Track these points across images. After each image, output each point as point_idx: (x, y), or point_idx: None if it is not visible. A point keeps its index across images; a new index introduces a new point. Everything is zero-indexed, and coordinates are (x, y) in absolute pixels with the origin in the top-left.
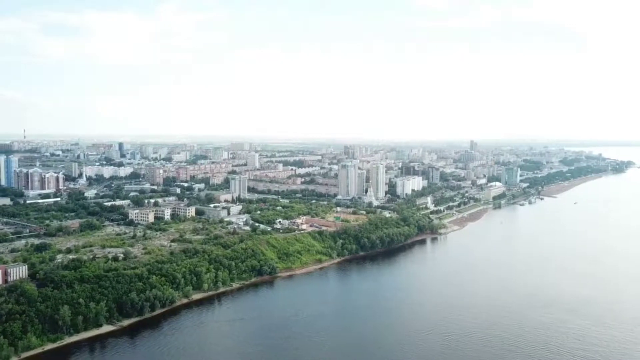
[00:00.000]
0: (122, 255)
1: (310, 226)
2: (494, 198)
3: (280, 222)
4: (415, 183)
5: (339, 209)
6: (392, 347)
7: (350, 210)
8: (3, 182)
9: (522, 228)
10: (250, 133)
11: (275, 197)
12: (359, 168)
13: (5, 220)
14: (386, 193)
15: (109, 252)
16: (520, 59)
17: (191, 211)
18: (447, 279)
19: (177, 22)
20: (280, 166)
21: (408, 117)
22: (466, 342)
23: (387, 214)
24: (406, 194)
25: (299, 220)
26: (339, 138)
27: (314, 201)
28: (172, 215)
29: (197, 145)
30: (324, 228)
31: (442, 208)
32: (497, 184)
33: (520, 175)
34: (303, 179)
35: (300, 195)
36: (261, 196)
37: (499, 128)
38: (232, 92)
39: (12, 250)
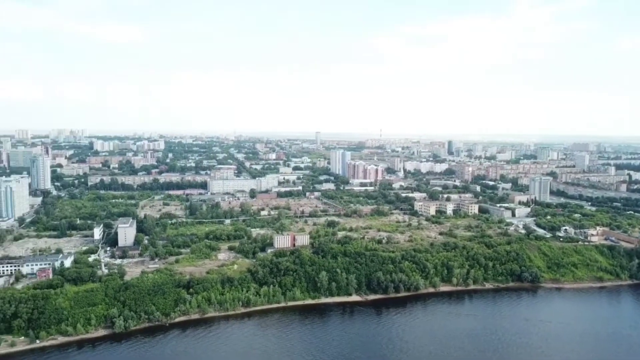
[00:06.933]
0: (385, 239)
1: (605, 239)
2: None
3: (565, 229)
4: None
5: None
6: None
7: None
8: (340, 171)
9: None
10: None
11: (583, 203)
12: None
13: (324, 200)
14: None
15: (379, 235)
16: None
17: (474, 208)
18: None
19: (531, 17)
20: (613, 170)
21: None
22: None
23: None
24: None
25: (591, 231)
26: None
27: (631, 212)
28: (455, 211)
29: (533, 144)
30: (621, 243)
31: None
32: None
33: None
34: (637, 186)
35: (619, 204)
36: (566, 201)
37: None
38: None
39: (314, 224)
